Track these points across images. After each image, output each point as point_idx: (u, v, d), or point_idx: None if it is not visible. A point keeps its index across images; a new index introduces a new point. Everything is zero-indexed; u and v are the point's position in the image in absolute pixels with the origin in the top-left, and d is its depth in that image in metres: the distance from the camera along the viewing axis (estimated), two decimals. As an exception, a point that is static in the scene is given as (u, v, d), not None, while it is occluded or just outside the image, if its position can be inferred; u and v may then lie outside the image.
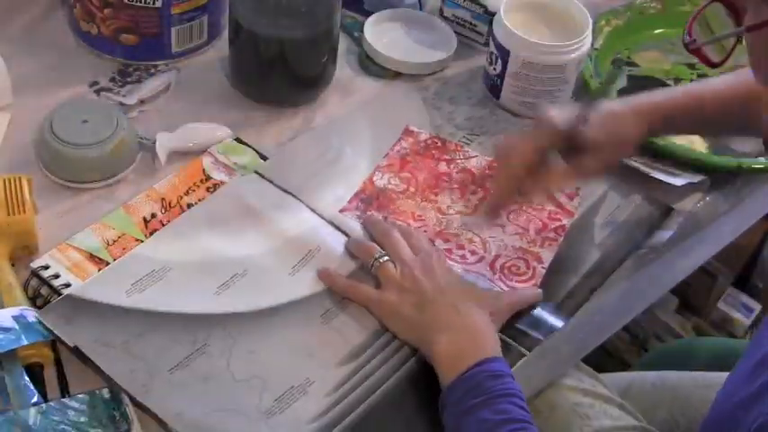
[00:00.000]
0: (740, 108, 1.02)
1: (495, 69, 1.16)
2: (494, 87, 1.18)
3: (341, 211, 1.03)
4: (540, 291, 0.98)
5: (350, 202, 1.04)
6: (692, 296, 1.88)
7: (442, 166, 1.10)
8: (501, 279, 0.99)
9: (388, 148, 1.11)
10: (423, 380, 0.89)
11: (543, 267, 1.01)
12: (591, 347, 1.01)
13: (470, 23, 1.24)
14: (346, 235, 1.00)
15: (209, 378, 0.86)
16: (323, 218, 1.02)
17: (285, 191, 1.04)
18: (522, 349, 0.94)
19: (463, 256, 1.01)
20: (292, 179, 1.05)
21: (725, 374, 1.16)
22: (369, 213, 1.03)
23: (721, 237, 1.13)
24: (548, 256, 1.01)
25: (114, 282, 0.92)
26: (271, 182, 1.04)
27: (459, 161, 1.10)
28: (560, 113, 0.99)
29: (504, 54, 1.14)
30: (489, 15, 1.22)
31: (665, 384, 1.17)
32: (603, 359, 1.29)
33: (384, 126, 1.13)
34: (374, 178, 1.07)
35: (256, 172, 1.05)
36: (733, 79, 1.04)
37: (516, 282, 0.99)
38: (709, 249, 1.12)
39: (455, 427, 0.84)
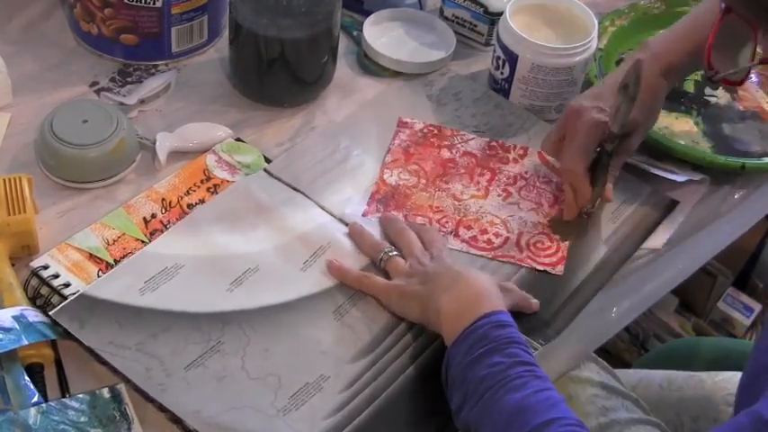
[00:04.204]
0: None
1: (502, 74, 1.16)
2: (501, 91, 1.18)
3: (364, 215, 1.03)
4: (537, 303, 0.97)
5: (369, 205, 1.05)
6: (691, 296, 1.88)
7: (445, 153, 1.10)
8: (530, 258, 1.00)
9: (389, 144, 1.11)
10: (436, 374, 0.89)
11: (566, 242, 1.02)
12: (593, 347, 1.02)
13: (470, 23, 1.24)
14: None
15: (225, 376, 0.87)
16: (333, 215, 1.02)
17: (294, 188, 1.04)
18: (534, 343, 0.93)
19: (489, 241, 1.02)
20: (301, 178, 1.05)
21: (730, 374, 1.16)
22: (386, 213, 1.03)
23: (722, 237, 1.13)
24: (582, 230, 1.03)
25: (127, 280, 0.92)
26: (279, 179, 1.05)
27: (458, 145, 1.11)
28: (599, 111, 1.02)
29: (511, 58, 1.14)
30: (489, 15, 1.22)
31: (671, 386, 1.18)
32: (603, 359, 1.29)
33: (391, 125, 1.13)
34: (384, 176, 1.08)
35: (265, 170, 1.05)
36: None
37: (545, 257, 1.00)
38: (710, 249, 1.13)
39: (461, 379, 0.83)
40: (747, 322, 1.84)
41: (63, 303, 0.89)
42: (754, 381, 0.87)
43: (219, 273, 0.95)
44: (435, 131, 1.13)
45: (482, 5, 1.22)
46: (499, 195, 1.06)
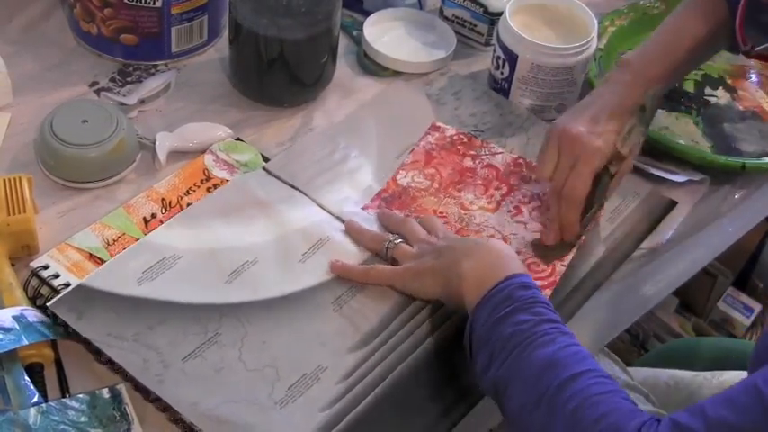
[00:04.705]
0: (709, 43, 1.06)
1: (502, 74, 1.16)
2: (501, 91, 1.18)
3: (363, 208, 1.03)
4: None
5: (372, 201, 1.05)
6: (691, 296, 1.88)
7: (468, 162, 1.10)
8: None
9: (402, 146, 1.11)
10: (434, 364, 0.90)
11: (563, 265, 1.00)
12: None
13: (470, 23, 1.24)
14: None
15: (222, 368, 0.87)
16: (330, 213, 1.02)
17: (292, 186, 1.04)
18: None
19: None
20: (299, 176, 1.05)
21: (735, 374, 1.17)
22: (383, 209, 1.03)
23: (722, 237, 1.13)
24: (569, 254, 1.01)
25: (125, 270, 0.93)
26: (278, 177, 1.05)
27: (484, 157, 1.10)
28: (598, 137, 1.00)
29: (511, 58, 1.14)
30: (489, 15, 1.22)
31: (678, 384, 1.19)
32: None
33: (390, 124, 1.13)
34: (398, 177, 1.07)
35: (264, 168, 1.06)
36: (692, 17, 1.06)
37: (535, 279, 0.97)
38: (710, 250, 1.13)
39: (486, 339, 0.83)
40: (747, 322, 1.85)
41: (60, 294, 0.89)
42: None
43: (218, 264, 0.95)
44: (465, 140, 1.12)
45: (482, 5, 1.22)
46: (509, 212, 1.05)
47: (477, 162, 1.10)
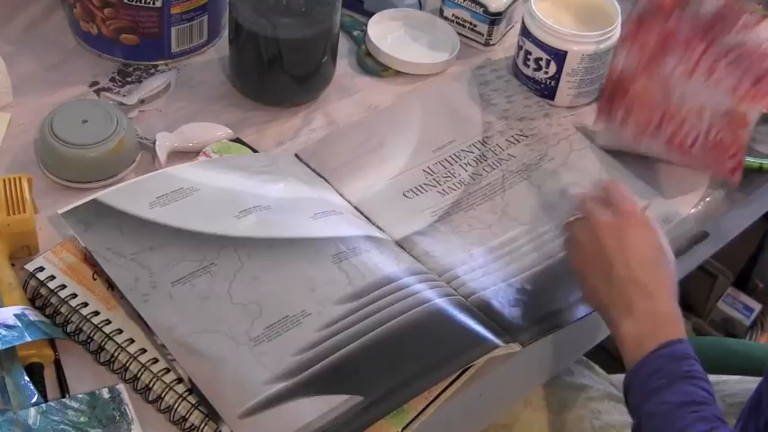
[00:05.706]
0: None
1: (546, 73, 1.15)
2: (547, 90, 1.17)
3: (598, 114, 1.06)
4: None
5: (601, 106, 1.07)
6: (691, 296, 1.88)
7: (671, 23, 1.02)
8: (716, 161, 1.02)
9: (442, 140, 1.10)
10: (420, 332, 0.88)
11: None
12: (589, 345, 1.02)
13: (470, 23, 1.24)
14: (370, 221, 1.01)
15: (208, 297, 0.87)
16: (350, 203, 1.03)
17: (319, 175, 1.05)
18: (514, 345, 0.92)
19: (686, 136, 1.01)
20: (328, 165, 1.06)
21: (727, 378, 1.16)
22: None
23: (721, 236, 1.13)
24: (753, 114, 0.99)
25: (140, 193, 0.95)
26: (307, 165, 1.06)
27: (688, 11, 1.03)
28: None
29: (559, 56, 1.13)
30: (489, 15, 1.22)
31: None
32: (604, 359, 1.29)
33: (435, 117, 1.14)
34: (617, 58, 1.05)
35: (296, 155, 1.07)
36: None
37: (728, 160, 1.01)
38: (709, 249, 1.12)
39: (637, 407, 0.84)
40: (747, 322, 1.84)
41: (75, 204, 0.93)
42: None
43: (231, 202, 0.96)
44: None
45: (482, 5, 1.22)
46: (702, 75, 1.00)
47: (680, 18, 1.03)
